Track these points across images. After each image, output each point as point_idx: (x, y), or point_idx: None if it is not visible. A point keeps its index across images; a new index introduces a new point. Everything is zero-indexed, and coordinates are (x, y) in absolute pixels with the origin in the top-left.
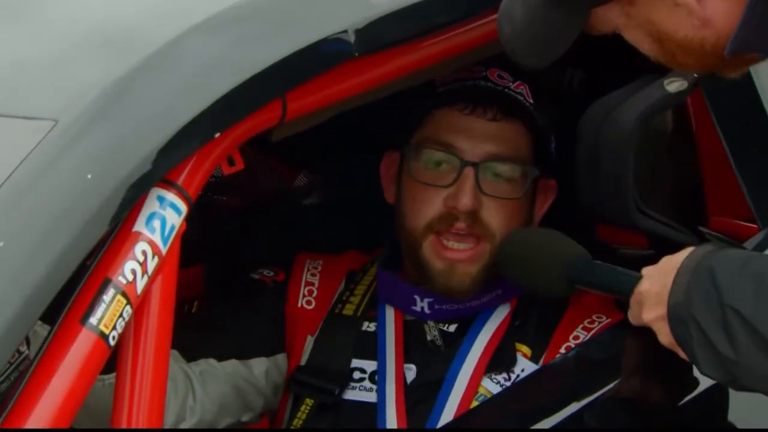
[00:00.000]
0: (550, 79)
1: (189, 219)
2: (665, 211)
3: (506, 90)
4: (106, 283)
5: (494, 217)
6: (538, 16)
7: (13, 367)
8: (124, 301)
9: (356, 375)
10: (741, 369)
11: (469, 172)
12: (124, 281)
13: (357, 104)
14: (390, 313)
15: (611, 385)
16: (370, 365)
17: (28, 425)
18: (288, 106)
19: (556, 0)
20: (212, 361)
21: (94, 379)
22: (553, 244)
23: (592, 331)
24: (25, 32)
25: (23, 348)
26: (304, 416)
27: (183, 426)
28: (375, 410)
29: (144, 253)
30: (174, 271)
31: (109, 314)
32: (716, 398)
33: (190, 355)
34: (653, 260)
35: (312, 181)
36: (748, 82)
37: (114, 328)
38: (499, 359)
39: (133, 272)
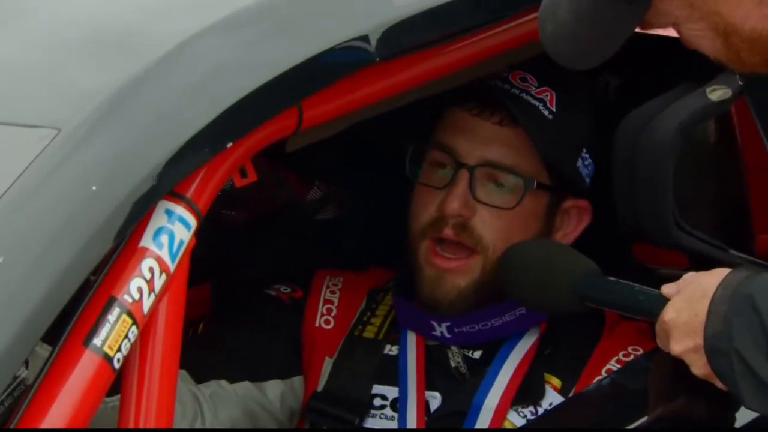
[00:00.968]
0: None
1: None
2: (707, 229)
3: (523, 94)
4: (110, 302)
5: (488, 228)
6: (589, 13)
7: (7, 392)
8: (130, 321)
9: (377, 402)
10: None
11: (463, 175)
12: (130, 300)
13: (377, 112)
14: (412, 338)
15: (647, 417)
16: (392, 392)
17: None
18: (304, 114)
19: None
20: (223, 383)
21: (98, 404)
22: (560, 258)
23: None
24: (25, 34)
25: (20, 371)
26: None
27: None
28: None
29: (151, 270)
30: (183, 290)
31: (113, 335)
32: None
33: (200, 375)
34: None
35: (326, 194)
36: None
37: (119, 350)
38: (526, 391)
39: (140, 290)
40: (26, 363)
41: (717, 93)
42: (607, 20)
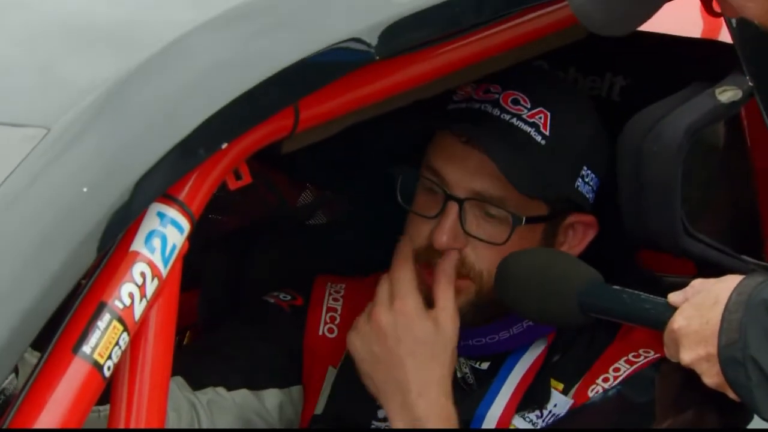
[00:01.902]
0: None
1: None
2: (717, 235)
3: (513, 120)
4: (101, 308)
5: (481, 258)
6: None
7: None
8: (121, 328)
9: (381, 413)
10: None
11: (452, 207)
12: (121, 306)
13: (376, 113)
14: None
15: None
16: None
17: None
18: (301, 114)
19: None
20: (221, 390)
21: (87, 414)
22: (559, 268)
23: (636, 365)
24: (13, 29)
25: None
26: None
27: None
28: None
29: (143, 274)
30: (175, 295)
31: (104, 342)
32: None
33: (197, 382)
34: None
35: (319, 199)
36: None
37: (109, 357)
38: (531, 397)
39: (131, 296)
40: (16, 370)
41: (727, 94)
42: None
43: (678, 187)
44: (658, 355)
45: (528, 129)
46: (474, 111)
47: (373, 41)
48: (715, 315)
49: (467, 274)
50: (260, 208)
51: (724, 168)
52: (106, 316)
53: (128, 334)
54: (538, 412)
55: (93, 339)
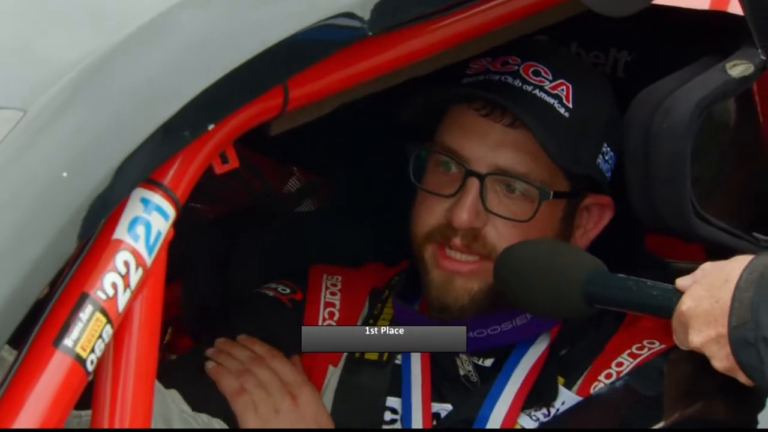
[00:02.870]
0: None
1: None
2: (728, 217)
3: (536, 91)
4: (83, 299)
5: (502, 238)
6: None
7: None
8: (104, 320)
9: (387, 416)
10: None
11: (472, 183)
12: (104, 297)
13: (369, 91)
14: None
15: (663, 423)
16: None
17: None
18: (290, 93)
19: None
20: (219, 421)
21: (69, 409)
22: (561, 258)
23: (639, 358)
24: None
25: None
26: None
27: None
28: None
29: (126, 263)
30: (160, 285)
31: (86, 335)
32: None
33: (194, 404)
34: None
35: (307, 186)
36: None
37: (92, 351)
38: (537, 394)
39: (114, 286)
40: None
41: (738, 69)
42: None
43: (687, 165)
44: (663, 346)
45: (551, 101)
46: (494, 82)
47: (366, 16)
48: (726, 294)
49: (488, 254)
50: (245, 196)
51: (736, 146)
52: (89, 308)
53: (112, 327)
54: (545, 410)
55: (75, 332)
